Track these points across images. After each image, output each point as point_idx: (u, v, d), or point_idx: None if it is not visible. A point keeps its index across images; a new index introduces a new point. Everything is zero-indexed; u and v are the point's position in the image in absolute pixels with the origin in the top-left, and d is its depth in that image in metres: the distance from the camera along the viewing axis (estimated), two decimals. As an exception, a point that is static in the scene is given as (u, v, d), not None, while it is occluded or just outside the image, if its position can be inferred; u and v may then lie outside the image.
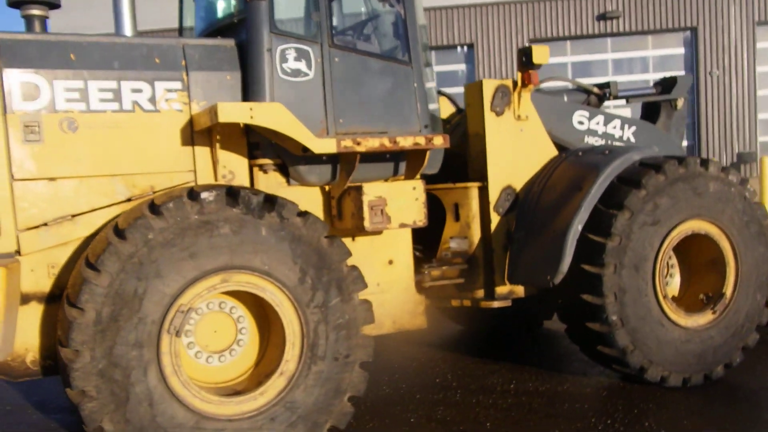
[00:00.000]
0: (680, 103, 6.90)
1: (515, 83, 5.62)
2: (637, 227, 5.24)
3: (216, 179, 4.67)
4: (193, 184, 4.59)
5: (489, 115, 5.50)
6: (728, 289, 5.64)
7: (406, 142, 4.78)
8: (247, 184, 4.76)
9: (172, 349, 3.91)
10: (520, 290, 5.70)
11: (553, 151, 5.78)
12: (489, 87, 5.51)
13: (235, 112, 4.29)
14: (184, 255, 3.90)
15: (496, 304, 5.66)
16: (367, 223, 4.76)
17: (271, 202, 4.12)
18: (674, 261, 5.94)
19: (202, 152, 4.63)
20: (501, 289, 5.67)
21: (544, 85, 6.15)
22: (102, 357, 3.73)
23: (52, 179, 4.24)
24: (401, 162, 5.16)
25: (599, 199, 5.29)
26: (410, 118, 5.12)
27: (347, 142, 4.59)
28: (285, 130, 4.44)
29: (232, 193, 4.03)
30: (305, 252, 4.20)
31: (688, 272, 5.96)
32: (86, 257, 3.85)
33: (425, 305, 5.41)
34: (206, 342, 4.36)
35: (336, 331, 4.28)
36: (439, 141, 4.87)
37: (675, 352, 5.39)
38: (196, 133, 4.59)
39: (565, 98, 6.50)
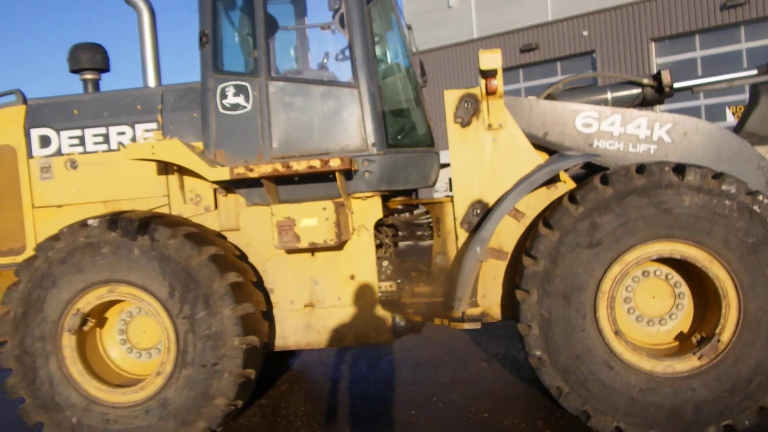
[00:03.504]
0: None
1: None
2: (567, 250, 4.46)
3: (185, 202, 5.48)
4: (167, 206, 5.48)
5: (452, 127, 5.12)
6: (725, 331, 4.38)
7: (299, 166, 4.92)
8: (212, 206, 5.46)
9: (71, 344, 4.88)
10: (495, 312, 5.24)
11: (537, 160, 5.10)
12: (451, 97, 5.12)
13: (139, 149, 5.09)
14: (73, 270, 4.83)
15: (465, 326, 5.27)
16: (276, 242, 5.06)
17: (144, 227, 4.77)
18: (684, 290, 4.76)
19: (174, 180, 5.47)
20: (473, 311, 5.29)
21: (574, 82, 5.44)
22: (17, 345, 4.88)
23: (59, 206, 5.55)
24: (349, 181, 5.24)
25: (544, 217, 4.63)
26: (355, 138, 5.17)
27: (240, 170, 4.96)
28: (181, 162, 5.09)
29: (113, 220, 4.80)
30: (174, 270, 4.75)
31: (705, 306, 4.73)
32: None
33: (391, 321, 5.39)
34: (137, 340, 5.23)
35: (203, 341, 4.75)
36: (336, 163, 4.86)
37: (630, 402, 4.45)
38: (169, 164, 5.44)
39: (609, 95, 5.53)
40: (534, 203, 4.98)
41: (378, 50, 5.65)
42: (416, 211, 5.98)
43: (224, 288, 4.75)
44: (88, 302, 4.89)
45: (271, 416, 5.61)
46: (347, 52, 5.23)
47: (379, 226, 5.58)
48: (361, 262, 5.35)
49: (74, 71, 6.05)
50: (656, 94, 5.52)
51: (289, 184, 5.22)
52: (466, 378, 6.18)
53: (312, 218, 5.02)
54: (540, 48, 21.57)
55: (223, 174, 5.03)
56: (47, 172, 5.56)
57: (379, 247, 5.60)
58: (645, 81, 5.50)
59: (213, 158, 5.26)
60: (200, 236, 4.92)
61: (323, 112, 5.20)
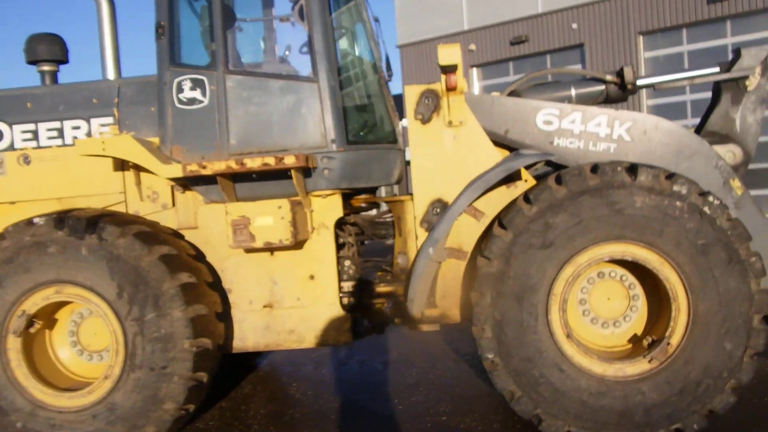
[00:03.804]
0: (752, 82, 5.31)
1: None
2: (520, 250, 4.42)
3: (142, 199, 5.37)
4: (123, 203, 5.37)
5: (412, 123, 5.05)
6: (675, 333, 4.37)
7: (254, 163, 4.84)
8: (170, 203, 5.36)
9: (16, 346, 4.77)
10: (454, 314, 5.17)
11: (498, 159, 5.05)
12: (411, 93, 5.03)
13: (89, 145, 4.98)
14: (19, 270, 4.72)
15: (424, 328, 5.25)
16: (231, 242, 4.97)
17: (93, 225, 4.67)
18: (638, 292, 4.74)
19: (130, 176, 5.35)
20: (431, 312, 5.23)
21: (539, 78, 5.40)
22: (-40, 348, 4.76)
23: (12, 203, 5.43)
24: (308, 179, 5.16)
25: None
26: (315, 134, 5.09)
27: (193, 167, 4.87)
28: (132, 158, 4.99)
29: (60, 219, 4.70)
30: (123, 270, 4.66)
31: (658, 308, 4.72)
32: None
33: (351, 322, 5.32)
34: (88, 342, 5.12)
35: (152, 344, 4.66)
36: (291, 160, 4.79)
37: (581, 406, 4.41)
38: (124, 161, 5.32)
39: (573, 92, 5.50)
40: (494, 202, 4.93)
41: (342, 43, 5.59)
42: (381, 209, 5.92)
43: (175, 289, 4.66)
44: (34, 303, 4.78)
45: (230, 419, 5.54)
46: (304, 45, 5.17)
47: (342, 224, 5.51)
48: (321, 261, 5.27)
49: (31, 62, 5.93)
50: (619, 91, 5.49)
51: (248, 181, 5.14)
52: (431, 379, 6.15)
53: (267, 217, 4.94)
54: (530, 41, 21.46)
55: (176, 171, 4.93)
56: (0, 168, 5.44)
57: (342, 246, 5.53)
58: (608, 77, 5.47)
59: (169, 154, 5.17)
60: (151, 235, 4.82)
61: (282, 108, 5.11)
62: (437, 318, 5.13)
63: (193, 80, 5.16)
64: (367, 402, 5.67)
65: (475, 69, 23.19)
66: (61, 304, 4.98)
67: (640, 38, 19.33)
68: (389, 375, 6.41)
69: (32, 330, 4.86)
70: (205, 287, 4.98)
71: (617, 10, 19.46)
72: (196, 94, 5.15)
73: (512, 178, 4.90)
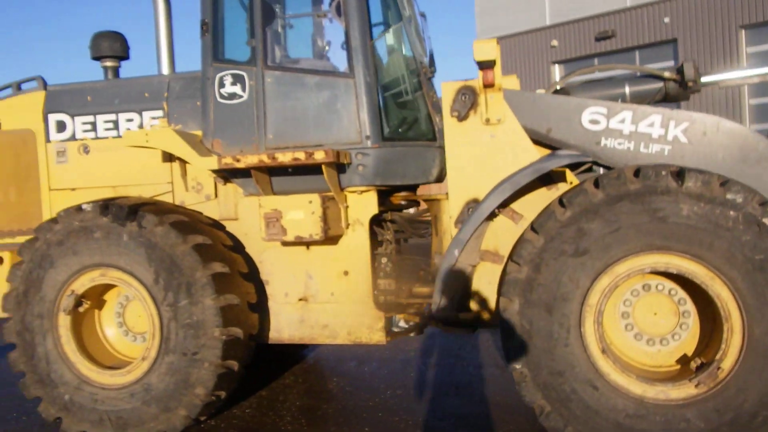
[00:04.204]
0: None
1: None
2: (551, 257, 4.11)
3: (187, 190, 5.53)
4: (170, 193, 5.55)
5: (449, 121, 4.82)
6: (727, 357, 3.91)
7: (285, 158, 4.82)
8: (213, 194, 5.48)
9: (66, 324, 5.03)
10: (490, 318, 4.89)
11: (536, 158, 4.73)
12: (448, 90, 4.81)
13: (134, 137, 5.17)
14: (69, 252, 4.96)
15: (456, 331, 5.06)
16: (263, 234, 4.99)
17: (133, 213, 4.82)
18: (690, 308, 4.28)
19: (177, 168, 5.53)
20: (465, 316, 4.99)
21: (593, 75, 5.04)
22: (19, 322, 5.08)
23: (73, 189, 5.75)
24: (342, 174, 5.10)
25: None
26: (350, 130, 5.01)
27: (227, 160, 4.93)
28: (171, 150, 5.14)
29: (105, 206, 4.89)
30: (159, 257, 4.79)
31: (712, 328, 4.24)
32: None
33: (385, 321, 5.22)
34: (133, 324, 5.33)
35: (184, 330, 4.76)
36: (321, 155, 4.72)
37: (616, 428, 4.06)
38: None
39: (627, 90, 5.05)
40: (533, 204, 4.63)
41: (382, 39, 5.44)
42: (420, 207, 5.74)
43: (207, 278, 4.73)
44: (82, 284, 5.01)
45: (265, 408, 5.59)
46: (342, 41, 5.06)
47: (380, 221, 5.39)
48: (355, 257, 5.19)
49: (95, 58, 6.21)
50: (680, 89, 4.98)
51: (284, 175, 5.13)
52: (473, 384, 5.93)
53: (298, 211, 4.92)
54: (617, 36, 20.20)
55: (212, 163, 5.00)
56: (62, 156, 5.74)
57: (380, 243, 5.41)
58: (666, 74, 4.98)
59: (211, 147, 5.26)
60: (188, 225, 4.92)
61: (318, 103, 5.06)
62: (472, 321, 4.91)
63: (233, 76, 5.21)
64: (402, 403, 5.53)
65: (557, 65, 22.11)
66: (109, 287, 5.19)
67: (742, 32, 17.68)
68: (431, 376, 6.24)
69: (81, 309, 5.11)
70: (238, 278, 5.02)
71: (715, 2, 17.84)
72: (237, 89, 5.20)
73: (553, 179, 4.57)
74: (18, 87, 6.03)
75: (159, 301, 4.82)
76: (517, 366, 4.24)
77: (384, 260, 5.39)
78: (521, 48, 22.86)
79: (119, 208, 4.86)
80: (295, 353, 7.18)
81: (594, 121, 4.61)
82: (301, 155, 4.78)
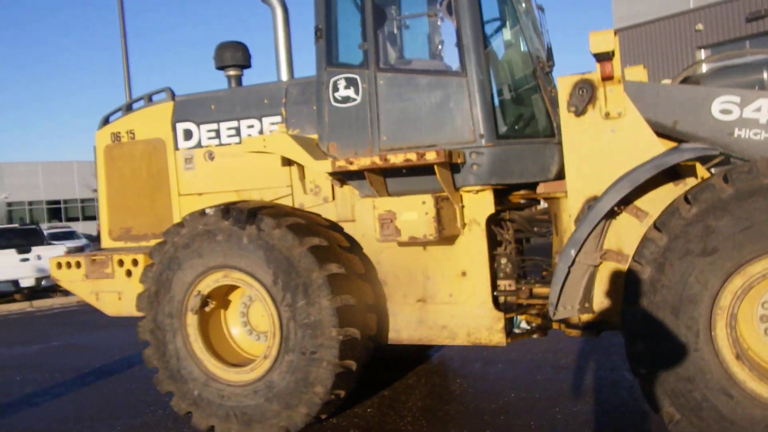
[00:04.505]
0: None
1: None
2: (676, 257, 3.88)
3: (305, 193, 5.69)
4: (290, 196, 5.73)
5: (566, 117, 4.66)
6: None
7: (396, 159, 4.83)
8: (330, 196, 5.61)
9: (193, 323, 5.29)
10: (614, 321, 4.64)
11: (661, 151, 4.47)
12: (565, 84, 4.66)
13: (253, 142, 5.39)
14: (194, 255, 5.21)
15: (580, 334, 4.88)
16: (377, 236, 5.04)
17: (252, 216, 5.00)
18: None
19: (295, 171, 5.70)
20: (587, 318, 4.82)
21: (722, 63, 4.73)
22: (151, 320, 5.41)
23: (200, 194, 6.06)
24: (457, 174, 5.05)
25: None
26: (464, 129, 4.97)
27: (341, 162, 5.01)
28: (287, 154, 5.30)
29: (226, 210, 5.09)
30: (277, 259, 4.93)
31: None
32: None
33: (504, 322, 5.13)
34: (256, 323, 5.53)
35: (303, 329, 4.88)
36: (432, 156, 4.70)
37: (751, 439, 3.78)
38: None
39: (766, 76, 4.67)
40: (660, 201, 4.37)
41: (497, 36, 5.34)
42: (540, 206, 5.57)
43: (322, 279, 4.83)
44: (207, 285, 5.26)
45: (387, 408, 5.64)
46: (453, 40, 5.00)
47: (500, 221, 5.30)
48: (473, 258, 5.13)
49: (219, 68, 6.48)
50: None
51: (399, 176, 5.15)
52: (602, 390, 5.70)
53: (412, 212, 4.92)
54: None
55: (326, 166, 5.09)
56: (190, 163, 6.06)
57: (499, 243, 5.32)
58: None
59: (326, 150, 5.36)
60: (304, 227, 5.03)
61: (431, 103, 5.04)
62: (595, 324, 4.72)
63: (347, 79, 5.28)
64: (525, 406, 5.40)
65: (702, 51, 20.67)
66: (233, 287, 5.41)
67: None
68: (557, 380, 6.06)
69: (207, 309, 5.36)
70: (355, 278, 5.09)
71: None
72: (350, 92, 5.26)
73: (681, 174, 4.31)
74: (149, 99, 6.43)
75: (278, 302, 4.98)
76: (642, 371, 4.04)
77: (504, 261, 5.29)
78: (662, 34, 21.70)
79: (239, 212, 5.05)
80: (419, 354, 7.21)
81: (726, 111, 4.30)
82: (412, 156, 4.78)
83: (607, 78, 4.43)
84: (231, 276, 5.18)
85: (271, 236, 4.96)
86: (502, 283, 5.27)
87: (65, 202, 53.89)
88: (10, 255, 16.17)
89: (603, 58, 4.40)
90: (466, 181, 5.00)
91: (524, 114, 5.26)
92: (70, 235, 31.13)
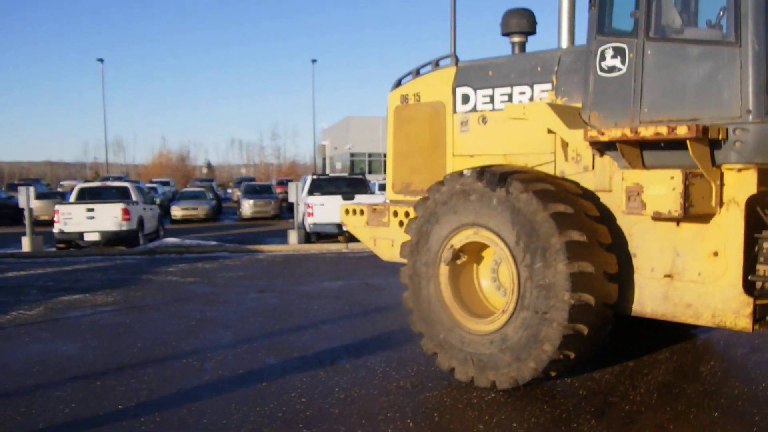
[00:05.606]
0: None
1: None
2: None
3: (567, 160, 5.91)
4: (552, 163, 6.01)
5: None
6: None
7: (646, 132, 4.76)
8: (590, 166, 5.75)
9: (445, 273, 5.84)
10: None
11: None
12: None
13: (513, 110, 5.70)
14: (450, 211, 5.74)
15: None
16: (623, 208, 5.05)
17: (503, 180, 5.34)
18: None
19: (559, 139, 5.92)
20: None
21: None
22: (411, 267, 6.08)
23: (471, 156, 6.62)
24: (717, 150, 4.83)
25: None
26: (730, 104, 4.75)
27: (593, 133, 5.09)
28: (543, 122, 5.48)
29: (481, 172, 5.51)
30: (521, 221, 5.22)
31: None
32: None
33: (753, 307, 4.85)
34: (504, 279, 5.90)
35: (538, 290, 5.11)
36: (683, 130, 4.54)
37: None
38: None
39: None
40: None
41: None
42: None
43: (560, 244, 5.00)
44: (459, 240, 5.76)
45: (624, 378, 5.72)
46: (728, 7, 4.71)
47: (766, 203, 4.93)
48: (728, 238, 4.86)
49: (504, 34, 6.86)
50: None
51: (656, 149, 5.05)
52: None
53: (659, 186, 4.83)
54: None
55: (578, 136, 5.21)
56: (465, 126, 6.60)
57: (761, 226, 4.96)
58: None
59: (588, 120, 5.45)
60: (551, 193, 5.22)
61: (698, 75, 4.85)
62: None
63: (614, 48, 5.29)
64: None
65: None
66: (486, 246, 5.83)
67: None
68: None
69: (458, 262, 5.87)
70: (597, 247, 5.15)
71: None
72: (616, 62, 5.28)
73: None
74: (436, 64, 7.07)
75: (518, 261, 5.28)
76: None
77: (765, 245, 4.93)
78: None
79: (492, 175, 5.44)
80: (684, 332, 6.97)
81: None
82: (663, 130, 4.68)
83: None
84: (480, 234, 5.61)
85: (518, 199, 5.27)
86: (761, 268, 4.90)
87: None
88: (337, 200, 17.64)
89: None
90: (727, 158, 4.74)
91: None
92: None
